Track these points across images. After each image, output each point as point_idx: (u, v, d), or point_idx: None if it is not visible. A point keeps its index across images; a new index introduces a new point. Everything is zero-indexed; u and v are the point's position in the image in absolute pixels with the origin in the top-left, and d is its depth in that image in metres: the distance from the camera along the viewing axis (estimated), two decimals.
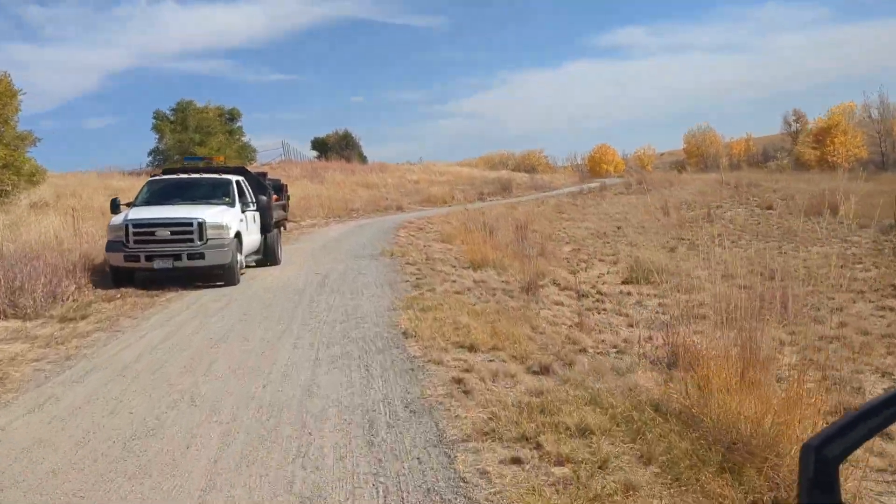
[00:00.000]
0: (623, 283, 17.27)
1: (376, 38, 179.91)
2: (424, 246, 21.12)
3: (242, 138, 53.09)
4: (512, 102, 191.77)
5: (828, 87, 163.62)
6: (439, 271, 15.56)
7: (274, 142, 67.58)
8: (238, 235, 14.92)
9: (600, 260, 21.88)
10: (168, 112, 48.39)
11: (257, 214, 16.75)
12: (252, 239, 16.29)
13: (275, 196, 19.08)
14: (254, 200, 16.23)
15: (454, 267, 16.76)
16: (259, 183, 17.59)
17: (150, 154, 48.50)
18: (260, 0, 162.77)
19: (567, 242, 26.86)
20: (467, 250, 18.44)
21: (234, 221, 14.87)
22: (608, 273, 19.11)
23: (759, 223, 32.54)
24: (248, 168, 19.31)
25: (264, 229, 17.32)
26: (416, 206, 42.73)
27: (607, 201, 43.19)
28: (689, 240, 27.93)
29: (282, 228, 20.06)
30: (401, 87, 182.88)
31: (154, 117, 48.04)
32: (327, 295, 12.73)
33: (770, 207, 38.69)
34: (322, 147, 62.46)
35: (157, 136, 47.65)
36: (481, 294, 12.89)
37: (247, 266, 16.46)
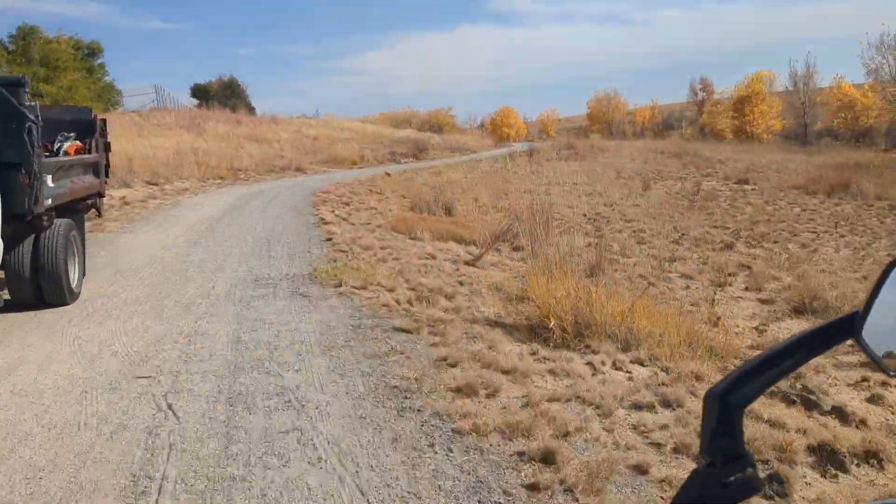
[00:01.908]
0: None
1: None
2: (382, 248, 10.22)
3: (105, 78, 39.68)
4: (406, 62, 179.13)
5: (711, 60, 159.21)
6: (502, 370, 4.90)
7: (146, 87, 53.64)
8: None
9: (684, 276, 11.58)
10: (6, 40, 34.65)
11: None
12: None
13: (72, 145, 7.74)
14: None
15: (514, 336, 6.03)
16: (3, 107, 6.12)
17: None
18: None
19: (566, 229, 16.46)
20: (523, 273, 7.77)
21: None
22: (769, 323, 8.73)
23: (774, 205, 23.00)
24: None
25: (15, 228, 6.12)
26: (319, 166, 31.32)
27: (547, 168, 32.97)
28: (737, 230, 18.00)
29: (94, 212, 8.74)
30: (290, 40, 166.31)
31: None
32: None
33: (745, 182, 29.56)
34: (203, 95, 49.33)
35: None
36: None
37: None
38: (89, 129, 8.07)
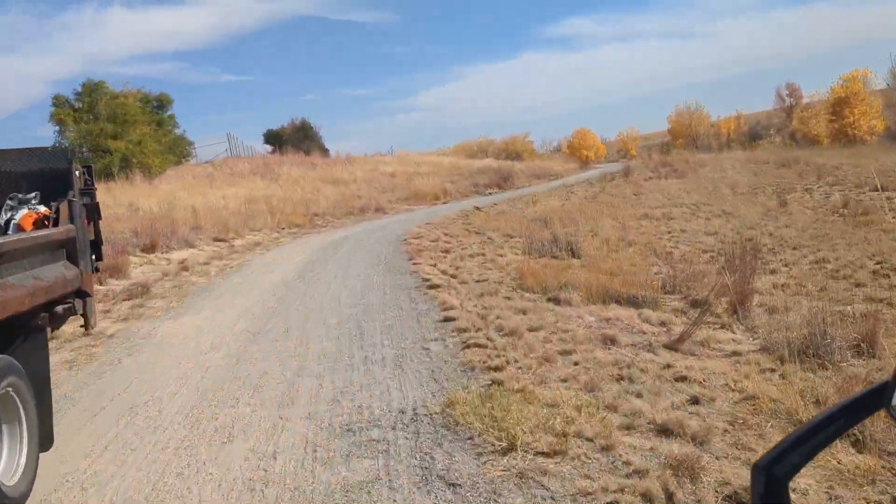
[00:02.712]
0: None
1: (326, 36, 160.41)
2: (532, 328, 6.54)
3: (175, 130, 37.21)
4: (472, 94, 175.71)
5: (781, 69, 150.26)
6: None
7: (219, 136, 51.32)
8: None
9: None
10: (72, 98, 32.50)
11: None
12: None
13: (30, 214, 4.38)
14: None
15: None
16: None
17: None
18: (207, 1, 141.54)
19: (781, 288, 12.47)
20: None
21: None
22: None
23: None
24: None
25: None
26: (400, 204, 28.01)
27: (650, 188, 28.87)
28: None
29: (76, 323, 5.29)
30: (355, 84, 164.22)
31: (53, 103, 32.03)
32: None
33: (883, 188, 24.86)
34: (276, 140, 46.90)
35: (57, 129, 31.65)
36: None
37: None
38: (62, 185, 4.64)
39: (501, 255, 12.62)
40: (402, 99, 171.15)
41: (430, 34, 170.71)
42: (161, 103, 36.97)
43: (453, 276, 10.00)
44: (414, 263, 11.19)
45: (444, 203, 28.54)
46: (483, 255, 12.72)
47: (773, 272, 11.91)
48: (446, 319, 6.96)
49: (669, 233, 16.75)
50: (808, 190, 26.01)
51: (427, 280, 9.52)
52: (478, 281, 9.76)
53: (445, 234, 15.66)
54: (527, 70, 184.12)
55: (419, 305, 7.81)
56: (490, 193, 32.12)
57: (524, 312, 7.40)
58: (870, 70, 49.27)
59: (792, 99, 58.60)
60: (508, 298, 8.41)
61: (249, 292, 9.93)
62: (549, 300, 8.47)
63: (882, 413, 0.95)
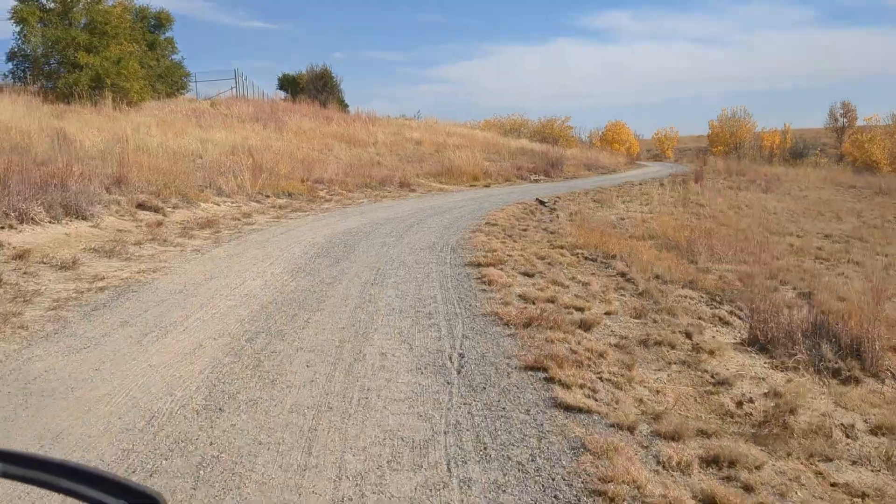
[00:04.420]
0: None
1: None
2: None
3: (172, 56, 28.77)
4: (497, 75, 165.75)
5: (819, 90, 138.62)
6: None
7: (225, 69, 42.50)
8: None
9: None
10: None
11: None
12: None
13: None
14: None
15: None
16: None
17: (8, 59, 23.96)
18: None
19: None
20: None
21: None
22: None
23: None
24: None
25: None
26: (430, 181, 20.24)
27: (752, 203, 21.01)
28: None
29: None
30: (384, 46, 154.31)
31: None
32: None
33: None
34: (292, 86, 38.69)
35: (17, 30, 23.20)
36: None
37: None
38: None
39: (717, 361, 5.01)
40: (428, 69, 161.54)
41: (465, 8, 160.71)
42: (159, 22, 28.50)
43: None
44: (557, 403, 3.53)
45: (486, 186, 20.80)
46: (671, 345, 5.09)
47: None
48: None
49: None
50: None
51: None
52: None
53: (540, 259, 7.99)
54: (558, 57, 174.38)
55: None
56: (536, 180, 24.37)
57: None
58: None
59: (846, 119, 50.70)
60: None
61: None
62: None
63: None
